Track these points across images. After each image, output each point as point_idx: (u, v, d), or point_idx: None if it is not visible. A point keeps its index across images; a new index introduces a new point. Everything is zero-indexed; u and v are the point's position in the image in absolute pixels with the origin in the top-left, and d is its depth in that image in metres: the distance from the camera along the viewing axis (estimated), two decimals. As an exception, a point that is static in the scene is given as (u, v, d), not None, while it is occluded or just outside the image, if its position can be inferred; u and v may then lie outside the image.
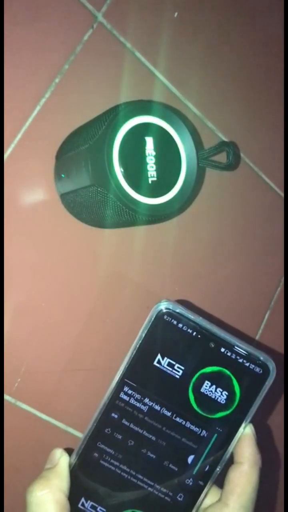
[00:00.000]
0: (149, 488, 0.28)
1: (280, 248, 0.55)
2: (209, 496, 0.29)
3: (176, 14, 0.48)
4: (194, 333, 0.28)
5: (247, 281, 0.53)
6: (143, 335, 0.28)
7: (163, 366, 0.28)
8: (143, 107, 0.33)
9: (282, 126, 0.55)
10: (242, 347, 0.28)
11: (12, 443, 0.42)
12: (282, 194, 0.55)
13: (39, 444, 0.43)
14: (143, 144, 0.33)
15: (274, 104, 0.55)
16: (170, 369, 0.28)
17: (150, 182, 0.33)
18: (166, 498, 0.28)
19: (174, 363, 0.28)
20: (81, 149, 0.36)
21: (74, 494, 0.27)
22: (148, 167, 0.33)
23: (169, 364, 0.28)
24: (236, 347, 0.28)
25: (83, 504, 0.28)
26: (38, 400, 0.42)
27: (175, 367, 0.28)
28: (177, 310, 0.28)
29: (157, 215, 0.34)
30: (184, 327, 0.28)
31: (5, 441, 0.41)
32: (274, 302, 0.55)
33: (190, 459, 0.28)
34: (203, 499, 0.29)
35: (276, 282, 0.55)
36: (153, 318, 0.28)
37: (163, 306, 0.28)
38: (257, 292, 0.54)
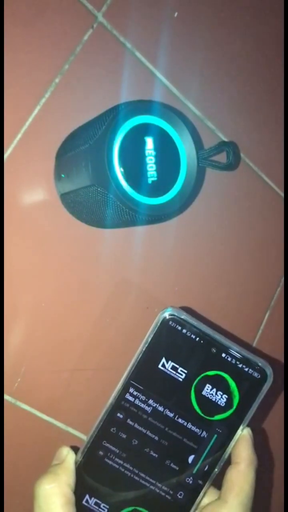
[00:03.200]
0: (151, 486, 0.29)
1: (280, 248, 0.55)
2: (208, 496, 0.30)
3: (176, 14, 0.49)
4: (197, 339, 0.29)
5: (247, 281, 0.53)
6: (149, 339, 0.29)
7: (167, 369, 0.29)
8: (143, 107, 0.33)
9: (282, 126, 0.55)
10: (241, 353, 0.29)
11: (12, 443, 0.42)
12: (282, 194, 0.55)
13: (39, 444, 0.43)
14: (143, 144, 0.33)
15: (274, 104, 0.55)
16: (174, 372, 0.29)
17: (150, 182, 0.33)
18: (166, 496, 0.29)
19: (177, 366, 0.29)
20: (81, 149, 0.36)
21: (79, 491, 0.29)
22: (148, 167, 0.33)
23: (173, 368, 0.29)
24: (236, 353, 0.29)
25: (87, 501, 0.29)
26: (38, 400, 0.43)
27: (179, 371, 0.29)
28: (182, 317, 0.29)
29: (157, 215, 0.34)
30: (188, 332, 0.29)
31: (5, 441, 0.41)
32: (274, 302, 0.55)
33: (190, 458, 0.29)
34: (202, 498, 0.30)
35: (276, 282, 0.55)
36: (159, 324, 0.29)
37: (168, 312, 0.29)
38: (257, 292, 0.54)
